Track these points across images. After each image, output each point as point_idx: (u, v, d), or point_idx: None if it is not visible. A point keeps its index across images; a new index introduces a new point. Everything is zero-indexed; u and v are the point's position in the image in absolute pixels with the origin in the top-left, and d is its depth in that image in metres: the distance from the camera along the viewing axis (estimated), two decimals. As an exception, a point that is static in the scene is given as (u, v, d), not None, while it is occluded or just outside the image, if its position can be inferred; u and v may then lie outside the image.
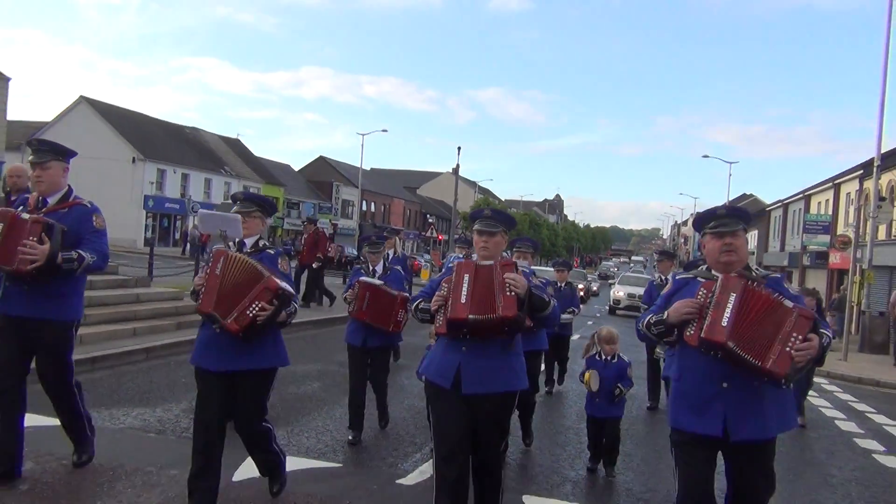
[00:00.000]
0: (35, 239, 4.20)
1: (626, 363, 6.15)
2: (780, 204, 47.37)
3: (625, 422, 6.62)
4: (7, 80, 32.46)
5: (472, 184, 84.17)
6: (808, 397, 9.44)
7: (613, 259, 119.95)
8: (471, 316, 3.71)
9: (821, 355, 3.27)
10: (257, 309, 3.94)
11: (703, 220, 3.54)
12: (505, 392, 3.89)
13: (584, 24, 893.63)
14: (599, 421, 6.13)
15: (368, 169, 60.33)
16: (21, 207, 4.55)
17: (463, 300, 3.75)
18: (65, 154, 4.63)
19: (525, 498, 5.25)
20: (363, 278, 6.46)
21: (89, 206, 4.61)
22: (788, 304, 3.26)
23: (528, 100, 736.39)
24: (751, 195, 77.61)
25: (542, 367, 8.81)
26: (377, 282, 6.41)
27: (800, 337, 3.17)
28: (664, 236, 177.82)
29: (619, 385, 6.02)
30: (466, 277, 3.80)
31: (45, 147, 4.57)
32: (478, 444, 3.90)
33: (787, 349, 3.15)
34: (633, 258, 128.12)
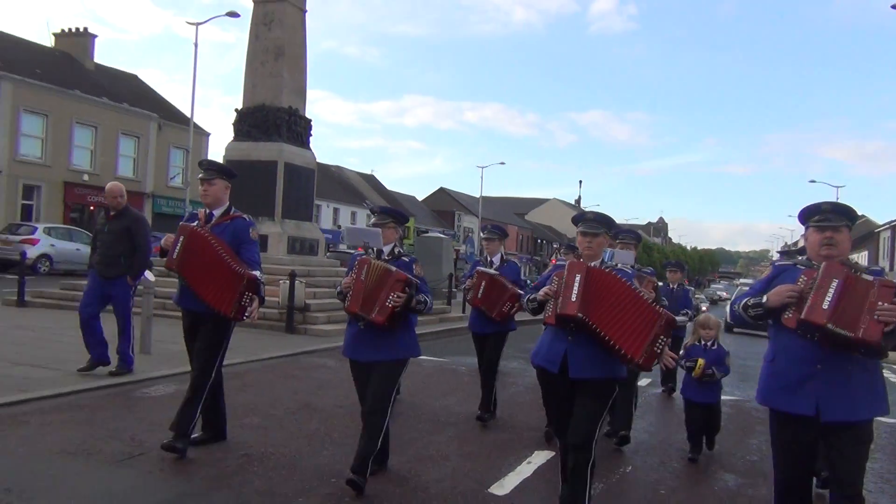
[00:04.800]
0: (251, 300, 5.00)
1: (725, 352, 6.29)
2: (888, 226, 48.91)
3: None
4: (207, 135, 39.44)
5: (576, 208, 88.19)
6: None
7: (722, 282, 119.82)
8: (580, 314, 3.91)
9: None
10: (394, 298, 4.47)
11: (808, 214, 3.64)
12: (607, 378, 4.12)
13: (689, 42, 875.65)
14: (696, 405, 6.18)
15: (478, 197, 65.63)
16: (196, 223, 5.19)
17: (573, 298, 3.94)
18: (228, 174, 5.35)
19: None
20: (480, 268, 6.90)
21: (248, 219, 5.30)
22: (868, 277, 3.36)
23: (631, 121, 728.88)
24: (862, 216, 78.10)
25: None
26: (493, 271, 6.80)
27: (884, 304, 3.25)
28: (774, 258, 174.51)
29: (713, 367, 6.09)
30: (578, 277, 3.98)
31: (212, 167, 5.30)
32: (576, 410, 4.12)
33: (876, 317, 3.24)
34: (741, 280, 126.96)
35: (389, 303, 4.45)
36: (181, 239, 4.99)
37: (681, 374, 6.74)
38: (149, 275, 8.63)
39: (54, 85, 30.49)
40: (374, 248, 4.79)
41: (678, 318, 8.38)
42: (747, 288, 5.19)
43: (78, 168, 31.54)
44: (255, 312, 5.07)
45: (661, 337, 3.95)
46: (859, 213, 4.36)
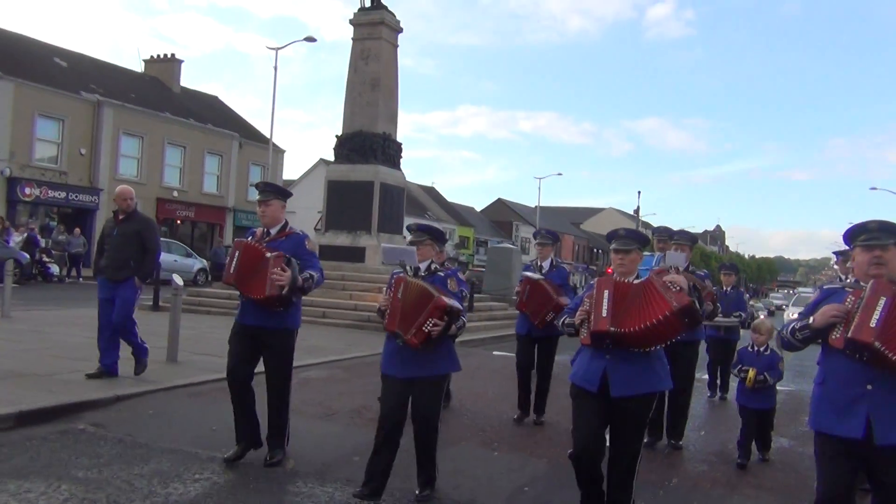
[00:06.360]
0: (279, 269, 5.00)
1: (779, 357, 6.20)
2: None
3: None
4: (283, 152, 41.77)
5: (634, 218, 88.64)
6: None
7: (781, 291, 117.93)
8: (612, 328, 3.96)
9: None
10: (431, 325, 4.41)
11: (854, 234, 3.57)
12: (650, 393, 4.14)
13: (749, 45, 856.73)
14: (751, 411, 6.20)
15: (533, 207, 67.01)
16: (250, 238, 5.32)
17: (604, 314, 4.00)
18: (284, 194, 5.50)
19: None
20: (526, 273, 7.09)
21: (301, 233, 5.45)
22: None
23: (689, 128, 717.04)
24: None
25: (708, 373, 9.42)
26: (537, 276, 6.90)
27: None
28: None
29: (765, 374, 6.06)
30: (606, 293, 4.05)
31: (268, 188, 5.45)
32: (617, 441, 4.16)
33: None
34: (801, 290, 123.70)
35: (426, 328, 4.41)
36: (237, 254, 5.21)
37: (734, 381, 6.92)
38: (177, 278, 9.42)
39: (147, 108, 33.12)
40: (411, 266, 4.76)
41: (729, 320, 9.10)
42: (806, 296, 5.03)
43: (169, 185, 34.08)
44: (279, 279, 4.99)
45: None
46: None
